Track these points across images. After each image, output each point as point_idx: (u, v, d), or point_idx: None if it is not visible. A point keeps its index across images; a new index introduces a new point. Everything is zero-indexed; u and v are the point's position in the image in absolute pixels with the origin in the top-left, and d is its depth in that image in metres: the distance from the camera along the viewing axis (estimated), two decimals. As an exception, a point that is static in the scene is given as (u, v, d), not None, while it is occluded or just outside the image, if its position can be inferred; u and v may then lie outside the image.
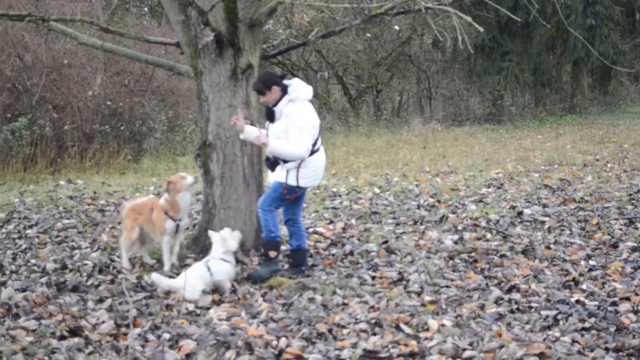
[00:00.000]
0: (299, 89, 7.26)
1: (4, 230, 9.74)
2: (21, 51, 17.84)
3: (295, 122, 7.11)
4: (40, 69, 17.69)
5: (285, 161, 7.22)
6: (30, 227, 9.92)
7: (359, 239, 8.90)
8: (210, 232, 7.28)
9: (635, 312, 6.10)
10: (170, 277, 7.16)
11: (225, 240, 7.06)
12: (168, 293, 6.81)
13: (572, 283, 6.99)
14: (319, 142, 7.40)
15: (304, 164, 7.21)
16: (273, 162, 7.34)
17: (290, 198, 7.33)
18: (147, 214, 7.88)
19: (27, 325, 5.74)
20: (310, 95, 7.35)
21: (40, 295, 6.57)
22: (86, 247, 8.68)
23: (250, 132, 7.26)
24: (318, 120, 7.34)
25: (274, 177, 7.36)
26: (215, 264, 6.95)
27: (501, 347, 5.25)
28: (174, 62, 9.62)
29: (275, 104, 7.24)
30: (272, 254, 7.35)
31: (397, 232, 9.24)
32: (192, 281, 6.75)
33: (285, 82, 7.30)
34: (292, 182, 7.24)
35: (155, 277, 6.82)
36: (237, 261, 7.54)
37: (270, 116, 7.33)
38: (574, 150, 18.46)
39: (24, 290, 6.86)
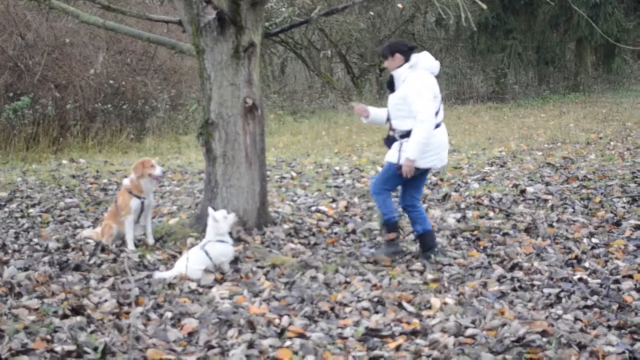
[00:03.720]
0: (421, 58, 7.08)
1: (6, 209, 9.75)
2: (23, 30, 17.76)
3: (413, 87, 6.85)
4: (42, 47, 17.62)
5: (402, 136, 6.98)
6: (33, 206, 9.93)
7: (361, 218, 8.90)
8: (210, 210, 7.10)
9: (638, 290, 6.08)
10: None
11: (216, 223, 6.92)
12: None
13: (574, 261, 6.99)
14: (441, 117, 7.12)
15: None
16: (391, 139, 7.14)
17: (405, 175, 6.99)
18: None
19: (29, 304, 5.73)
20: (433, 68, 7.10)
21: (42, 274, 6.57)
22: (88, 226, 8.68)
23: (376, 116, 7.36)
24: (438, 93, 7.09)
25: (388, 157, 7.14)
26: (213, 247, 6.83)
27: (503, 325, 5.24)
28: (176, 40, 9.59)
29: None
30: (391, 235, 7.28)
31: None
32: (192, 266, 6.69)
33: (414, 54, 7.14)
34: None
35: (157, 275, 6.68)
36: (240, 240, 7.52)
37: (391, 85, 7.19)
38: (577, 128, 18.42)
39: (26, 269, 6.86)
